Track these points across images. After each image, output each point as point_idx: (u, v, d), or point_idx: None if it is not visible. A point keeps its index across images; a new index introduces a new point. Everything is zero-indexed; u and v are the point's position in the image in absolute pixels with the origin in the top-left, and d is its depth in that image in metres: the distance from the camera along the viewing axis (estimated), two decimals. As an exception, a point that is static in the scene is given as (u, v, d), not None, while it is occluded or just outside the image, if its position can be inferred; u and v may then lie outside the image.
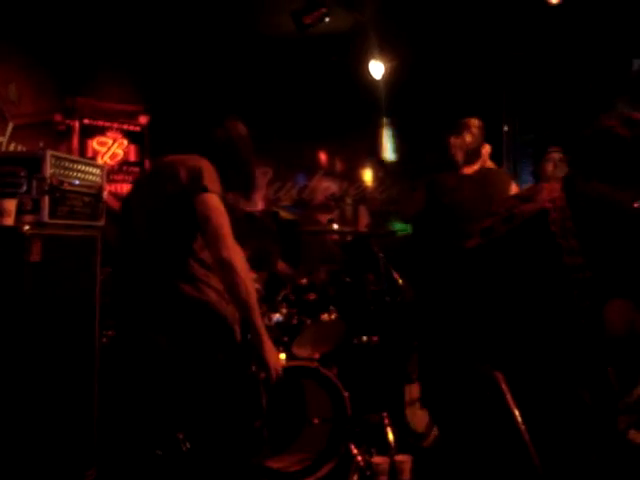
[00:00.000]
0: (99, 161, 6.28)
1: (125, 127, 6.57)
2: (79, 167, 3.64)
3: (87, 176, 3.70)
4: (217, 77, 6.84)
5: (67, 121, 6.07)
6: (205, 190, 2.53)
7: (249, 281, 2.50)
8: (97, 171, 3.80)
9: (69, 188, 3.52)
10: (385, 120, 8.12)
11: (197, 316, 2.58)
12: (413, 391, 4.41)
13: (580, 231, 2.03)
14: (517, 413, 1.82)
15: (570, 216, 2.06)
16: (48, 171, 3.35)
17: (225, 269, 2.46)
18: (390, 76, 6.64)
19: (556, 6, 5.21)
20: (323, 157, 8.38)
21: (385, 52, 6.36)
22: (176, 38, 6.43)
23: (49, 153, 3.38)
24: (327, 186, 8.20)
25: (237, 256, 2.47)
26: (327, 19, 5.16)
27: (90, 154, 6.31)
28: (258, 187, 3.51)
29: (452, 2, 5.48)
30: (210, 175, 2.61)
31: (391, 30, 6.10)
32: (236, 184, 2.92)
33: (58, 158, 3.46)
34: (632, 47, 6.28)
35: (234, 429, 2.61)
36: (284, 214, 7.56)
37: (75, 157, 3.90)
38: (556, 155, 4.54)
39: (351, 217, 8.40)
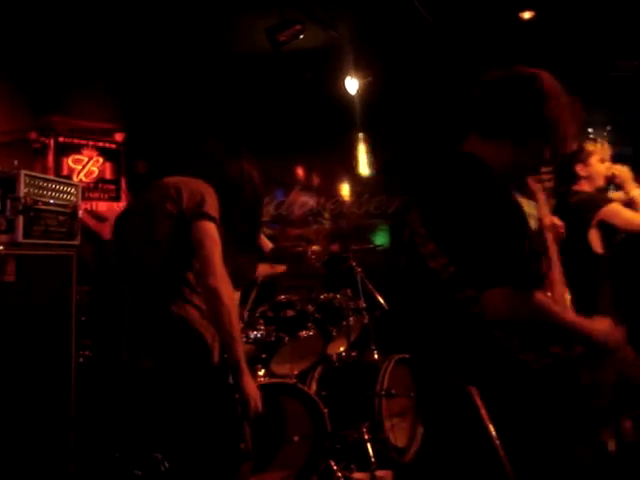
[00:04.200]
0: (75, 179, 6.25)
1: (101, 145, 6.53)
2: (54, 186, 3.62)
3: (62, 195, 3.68)
4: (193, 94, 6.84)
5: (42, 139, 6.03)
6: (204, 217, 2.55)
7: (234, 311, 2.50)
8: (72, 190, 3.78)
9: (44, 207, 3.50)
10: (361, 135, 8.15)
11: (175, 333, 2.57)
12: (393, 406, 4.41)
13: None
14: (491, 428, 1.82)
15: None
16: (22, 191, 3.35)
17: (211, 297, 2.46)
18: (365, 91, 6.67)
19: (528, 21, 5.27)
20: (300, 172, 8.39)
21: (360, 68, 6.39)
22: (151, 56, 6.42)
23: (23, 173, 3.37)
24: (304, 201, 8.20)
25: (224, 286, 2.47)
26: (302, 36, 5.16)
27: (65, 172, 6.27)
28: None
29: (425, 20, 5.51)
30: (212, 203, 2.62)
31: (366, 46, 6.12)
32: (237, 225, 2.90)
33: (32, 177, 3.45)
34: (608, 57, 6.34)
35: (210, 447, 2.58)
36: (263, 230, 7.56)
37: (50, 176, 3.89)
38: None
39: (330, 232, 8.41)
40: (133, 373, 2.68)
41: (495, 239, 1.89)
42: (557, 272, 2.35)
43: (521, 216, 2.04)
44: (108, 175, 6.61)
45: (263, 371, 4.03)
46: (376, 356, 4.62)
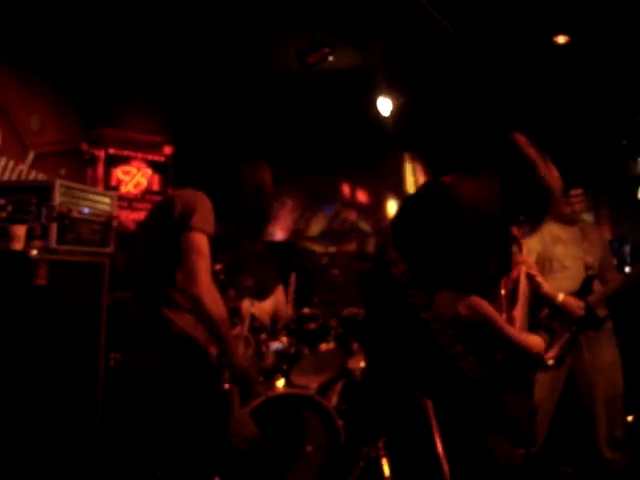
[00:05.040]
0: (123, 189, 6.50)
1: (150, 157, 6.78)
2: (89, 196, 3.82)
3: (97, 205, 3.87)
4: (241, 112, 7.01)
5: (93, 150, 6.28)
6: (190, 228, 2.66)
7: (217, 315, 2.62)
8: (107, 200, 3.97)
9: (78, 216, 3.69)
10: (405, 154, 8.22)
11: (171, 337, 2.71)
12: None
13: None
14: (439, 442, 1.89)
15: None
16: (57, 199, 3.53)
17: (195, 304, 2.61)
18: (404, 111, 6.73)
19: (563, 46, 5.27)
20: (346, 190, 8.50)
21: (393, 89, 6.45)
22: (202, 72, 6.62)
23: (58, 182, 3.56)
24: (345, 217, 8.30)
25: (207, 293, 2.60)
26: (331, 58, 5.29)
27: (114, 183, 6.52)
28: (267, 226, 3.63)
29: (462, 45, 5.55)
30: (202, 214, 2.71)
31: (399, 68, 6.19)
32: (248, 223, 3.06)
33: (68, 187, 3.64)
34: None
35: (202, 450, 2.70)
36: (309, 245, 7.68)
37: (85, 186, 4.07)
38: (576, 199, 4.33)
39: (373, 249, 8.46)
40: (130, 373, 2.83)
41: (444, 252, 2.13)
42: (520, 311, 2.45)
43: (471, 238, 2.21)
44: (156, 187, 6.85)
45: (283, 381, 4.11)
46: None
